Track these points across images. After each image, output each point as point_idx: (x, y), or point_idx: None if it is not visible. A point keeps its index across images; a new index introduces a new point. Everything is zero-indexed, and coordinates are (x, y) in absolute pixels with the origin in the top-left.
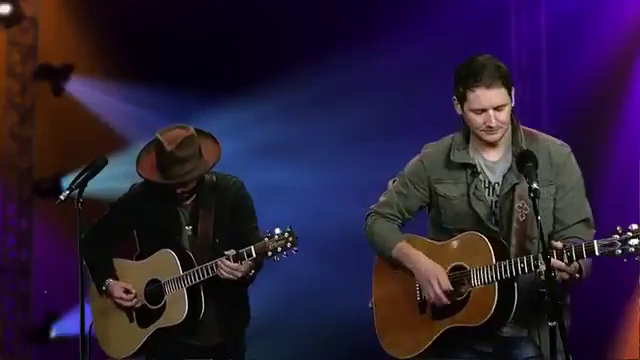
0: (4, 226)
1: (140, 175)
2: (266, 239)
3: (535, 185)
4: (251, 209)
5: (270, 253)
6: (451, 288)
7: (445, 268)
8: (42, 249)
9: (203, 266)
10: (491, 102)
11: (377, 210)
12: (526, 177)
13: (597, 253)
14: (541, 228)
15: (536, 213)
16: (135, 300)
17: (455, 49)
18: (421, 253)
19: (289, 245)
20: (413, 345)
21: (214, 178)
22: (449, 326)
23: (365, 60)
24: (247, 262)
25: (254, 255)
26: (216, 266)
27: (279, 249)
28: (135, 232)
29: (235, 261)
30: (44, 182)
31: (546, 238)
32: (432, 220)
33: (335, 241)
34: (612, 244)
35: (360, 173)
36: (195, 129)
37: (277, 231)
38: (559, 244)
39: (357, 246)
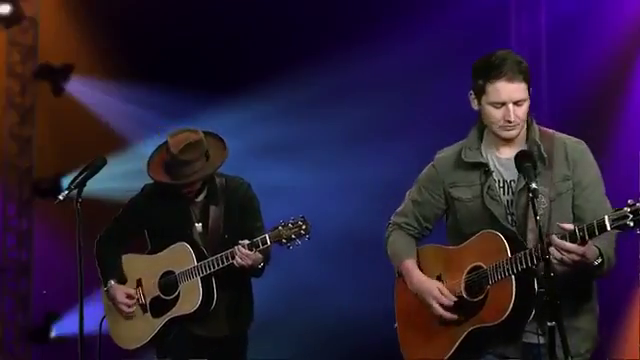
0: (4, 226)
1: (150, 176)
2: (280, 227)
3: (534, 185)
4: (258, 209)
5: (284, 240)
6: (454, 299)
7: (463, 271)
8: (42, 249)
9: (219, 255)
10: (511, 96)
11: (394, 221)
12: (525, 177)
13: (609, 227)
14: (540, 228)
15: (535, 213)
16: (133, 308)
17: (455, 49)
18: (420, 274)
19: (302, 232)
20: (436, 353)
21: (224, 180)
22: (470, 329)
23: (365, 60)
24: (257, 252)
25: (268, 243)
26: (231, 254)
27: (293, 236)
28: (146, 230)
29: (250, 250)
30: (44, 182)
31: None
32: (450, 227)
33: (335, 241)
34: (623, 216)
35: (360, 173)
36: (204, 132)
37: (291, 219)
38: (569, 226)
39: (357, 246)
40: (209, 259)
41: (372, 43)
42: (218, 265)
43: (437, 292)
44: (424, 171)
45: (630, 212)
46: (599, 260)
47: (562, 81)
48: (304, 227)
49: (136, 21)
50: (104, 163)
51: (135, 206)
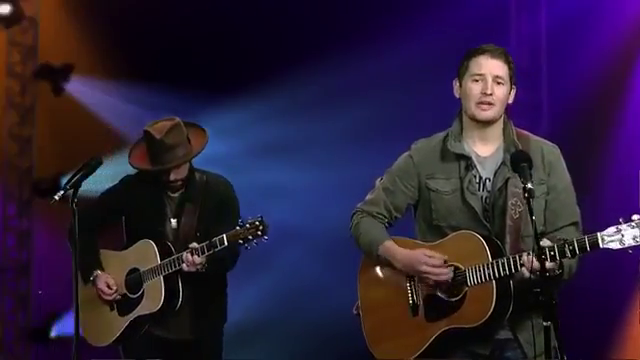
0: (4, 226)
1: (133, 166)
2: (237, 227)
3: (530, 185)
4: (236, 211)
5: (242, 241)
6: (445, 257)
7: None
8: (42, 249)
9: (176, 256)
10: (492, 69)
11: (364, 209)
12: (520, 177)
13: (601, 245)
14: (536, 228)
15: (531, 213)
16: (115, 295)
17: (455, 49)
18: (403, 249)
19: (259, 233)
20: (407, 350)
21: (205, 177)
22: (445, 328)
23: (365, 60)
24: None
25: (226, 243)
26: (181, 259)
27: (250, 237)
28: (123, 221)
29: (209, 249)
30: (44, 182)
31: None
32: (421, 219)
33: (335, 241)
34: (616, 235)
35: (360, 173)
36: (183, 121)
37: (249, 219)
38: (547, 242)
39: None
40: (169, 259)
41: (372, 43)
42: (176, 266)
43: (424, 257)
44: (399, 161)
45: (622, 232)
46: (559, 271)
47: (562, 81)
48: (261, 228)
49: (136, 21)
50: (100, 164)
51: (112, 195)
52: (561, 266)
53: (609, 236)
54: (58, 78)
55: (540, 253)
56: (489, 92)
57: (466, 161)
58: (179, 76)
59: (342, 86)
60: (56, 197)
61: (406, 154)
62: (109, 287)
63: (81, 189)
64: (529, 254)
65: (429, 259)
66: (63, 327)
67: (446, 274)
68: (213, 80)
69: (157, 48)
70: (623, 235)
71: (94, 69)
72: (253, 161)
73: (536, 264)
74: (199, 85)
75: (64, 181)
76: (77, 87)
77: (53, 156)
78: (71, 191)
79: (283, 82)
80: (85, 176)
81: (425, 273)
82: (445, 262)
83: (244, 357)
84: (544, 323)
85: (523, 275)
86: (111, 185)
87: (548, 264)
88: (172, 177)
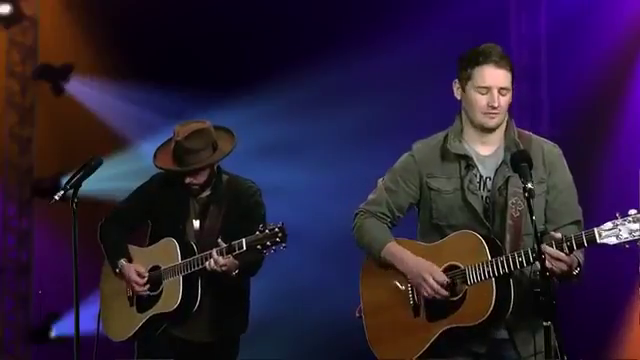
0: (4, 226)
1: (154, 164)
2: (257, 233)
3: (530, 185)
4: (261, 217)
5: (260, 247)
6: (447, 280)
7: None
8: (42, 249)
9: (198, 256)
10: (498, 81)
11: (367, 209)
12: (520, 177)
13: (598, 241)
14: (536, 228)
15: (531, 213)
16: (147, 286)
17: (455, 49)
18: (410, 252)
19: (278, 240)
20: (409, 350)
21: (232, 180)
22: (447, 327)
23: (365, 60)
24: (231, 259)
25: (244, 248)
26: (206, 258)
27: (269, 243)
28: (150, 219)
29: (228, 253)
30: (44, 182)
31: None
32: (422, 219)
33: (334, 241)
34: (613, 230)
35: (360, 173)
36: (214, 126)
37: (269, 226)
38: (558, 235)
39: (356, 246)
40: (190, 258)
41: (372, 43)
42: (197, 266)
43: (435, 269)
44: (401, 160)
45: (619, 227)
46: (577, 270)
47: (562, 81)
48: (280, 235)
49: (136, 21)
50: (100, 163)
51: (140, 193)
52: (579, 265)
53: (606, 231)
54: (58, 78)
55: (540, 253)
56: (496, 105)
57: (467, 160)
58: (179, 76)
59: (342, 86)
60: (56, 197)
61: (408, 153)
62: (140, 276)
63: (81, 189)
64: (551, 245)
65: (438, 275)
66: (63, 327)
67: (444, 295)
68: (213, 80)
69: (157, 48)
70: (620, 230)
71: (94, 69)
72: (253, 161)
73: (563, 255)
74: (199, 85)
75: (64, 181)
76: (77, 87)
77: (53, 156)
78: (71, 191)
79: (283, 82)
80: (85, 176)
81: (426, 283)
82: (447, 283)
83: (244, 357)
84: (544, 323)
85: (523, 272)
86: (143, 182)
87: (562, 255)
88: (187, 180)
